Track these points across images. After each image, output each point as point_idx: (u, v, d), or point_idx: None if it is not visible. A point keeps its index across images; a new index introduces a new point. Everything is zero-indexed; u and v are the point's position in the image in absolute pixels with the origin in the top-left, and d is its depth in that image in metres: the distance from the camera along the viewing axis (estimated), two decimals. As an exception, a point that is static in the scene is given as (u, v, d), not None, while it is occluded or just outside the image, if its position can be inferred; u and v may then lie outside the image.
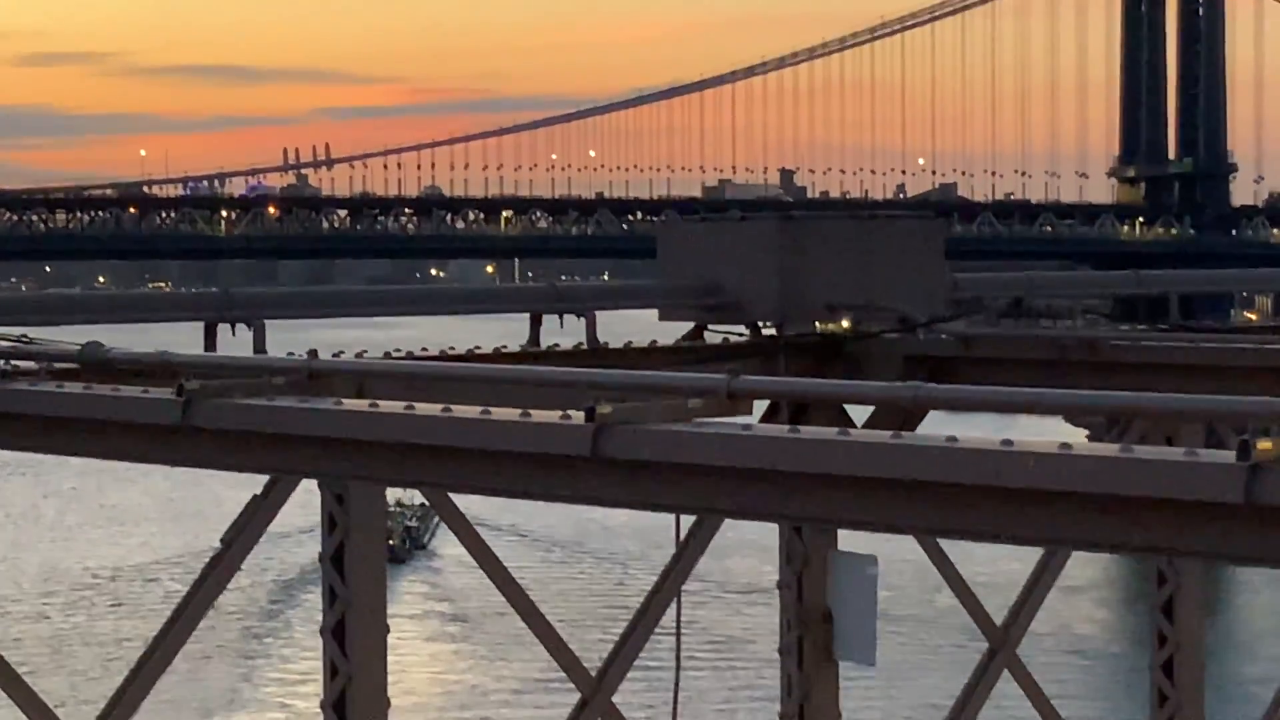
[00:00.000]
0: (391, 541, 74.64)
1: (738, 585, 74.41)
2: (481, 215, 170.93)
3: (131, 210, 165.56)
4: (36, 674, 57.78)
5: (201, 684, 60.95)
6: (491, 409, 7.63)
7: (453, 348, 11.62)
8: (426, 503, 31.42)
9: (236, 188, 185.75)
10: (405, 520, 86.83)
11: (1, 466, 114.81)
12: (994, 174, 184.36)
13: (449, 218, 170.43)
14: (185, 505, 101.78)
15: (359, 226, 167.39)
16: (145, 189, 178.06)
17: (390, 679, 11.15)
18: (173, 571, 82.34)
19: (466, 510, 11.40)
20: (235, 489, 11.73)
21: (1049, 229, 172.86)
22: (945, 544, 13.05)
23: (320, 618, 11.13)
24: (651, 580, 12.66)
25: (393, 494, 10.32)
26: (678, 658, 12.17)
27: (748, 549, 70.97)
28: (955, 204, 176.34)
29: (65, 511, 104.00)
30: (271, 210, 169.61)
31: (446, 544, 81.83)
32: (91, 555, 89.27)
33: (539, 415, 7.46)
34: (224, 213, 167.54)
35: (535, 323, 12.10)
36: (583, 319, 12.11)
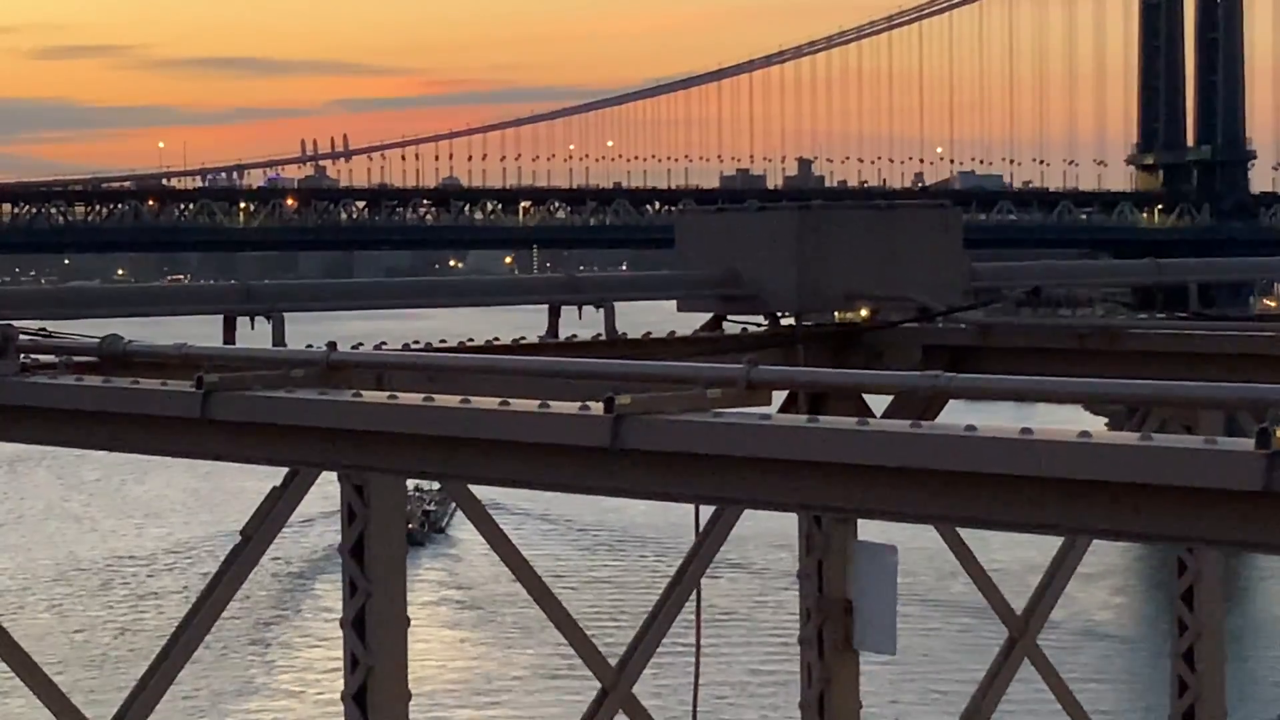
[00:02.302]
0: (410, 525, 75.00)
1: (758, 574, 74.43)
2: (499, 206, 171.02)
3: (150, 203, 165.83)
4: (59, 666, 57.94)
5: (223, 675, 61.06)
6: (510, 400, 7.64)
7: (471, 339, 11.62)
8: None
9: (255, 180, 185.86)
10: (424, 504, 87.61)
11: (24, 460, 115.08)
12: (1012, 162, 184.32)
13: (467, 208, 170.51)
14: (207, 497, 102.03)
15: (377, 218, 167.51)
16: (164, 181, 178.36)
17: (410, 666, 11.17)
18: (195, 563, 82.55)
19: (484, 494, 11.39)
20: (256, 480, 11.74)
21: (1071, 217, 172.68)
22: (963, 532, 13.05)
23: (340, 607, 11.15)
24: (672, 565, 12.66)
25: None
26: (697, 648, 12.19)
27: (769, 537, 70.98)
28: (973, 192, 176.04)
29: (88, 504, 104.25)
30: (290, 202, 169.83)
31: (464, 528, 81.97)
32: (114, 547, 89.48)
33: (558, 406, 7.46)
34: (242, 205, 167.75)
35: (554, 314, 12.10)
36: (601, 310, 12.11)
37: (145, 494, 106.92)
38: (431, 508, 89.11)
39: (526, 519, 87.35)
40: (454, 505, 78.42)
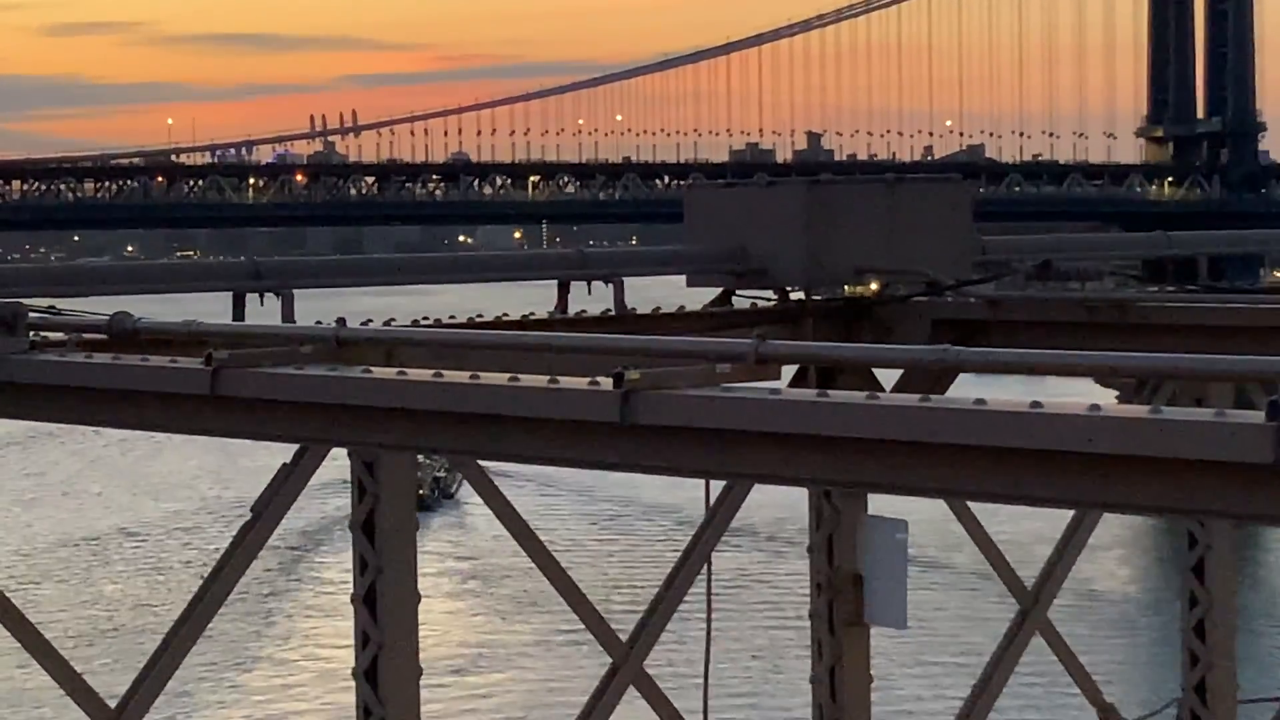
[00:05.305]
0: (421, 491, 75.50)
1: (768, 548, 74.52)
2: (508, 181, 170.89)
3: (159, 179, 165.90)
4: (71, 642, 58.06)
5: (234, 650, 61.17)
6: (520, 376, 7.63)
7: (480, 315, 11.61)
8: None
9: (264, 156, 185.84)
10: (434, 470, 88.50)
11: (35, 436, 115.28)
12: (1022, 135, 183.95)
13: (476, 183, 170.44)
14: (219, 473, 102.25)
15: (386, 193, 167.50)
16: (173, 158, 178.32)
17: (420, 636, 11.17)
18: (206, 539, 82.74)
19: (492, 463, 11.36)
20: (267, 456, 11.75)
21: (1078, 189, 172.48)
22: (973, 505, 13.04)
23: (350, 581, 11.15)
24: (683, 537, 12.65)
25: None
26: (708, 623, 12.18)
27: (778, 509, 71.04)
28: (983, 165, 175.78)
29: (101, 481, 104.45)
30: (299, 178, 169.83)
31: (474, 493, 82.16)
32: (126, 523, 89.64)
33: (567, 382, 7.46)
34: (251, 181, 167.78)
35: (563, 289, 12.09)
36: (610, 285, 12.09)
37: (158, 470, 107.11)
38: (441, 474, 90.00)
39: (535, 490, 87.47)
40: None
